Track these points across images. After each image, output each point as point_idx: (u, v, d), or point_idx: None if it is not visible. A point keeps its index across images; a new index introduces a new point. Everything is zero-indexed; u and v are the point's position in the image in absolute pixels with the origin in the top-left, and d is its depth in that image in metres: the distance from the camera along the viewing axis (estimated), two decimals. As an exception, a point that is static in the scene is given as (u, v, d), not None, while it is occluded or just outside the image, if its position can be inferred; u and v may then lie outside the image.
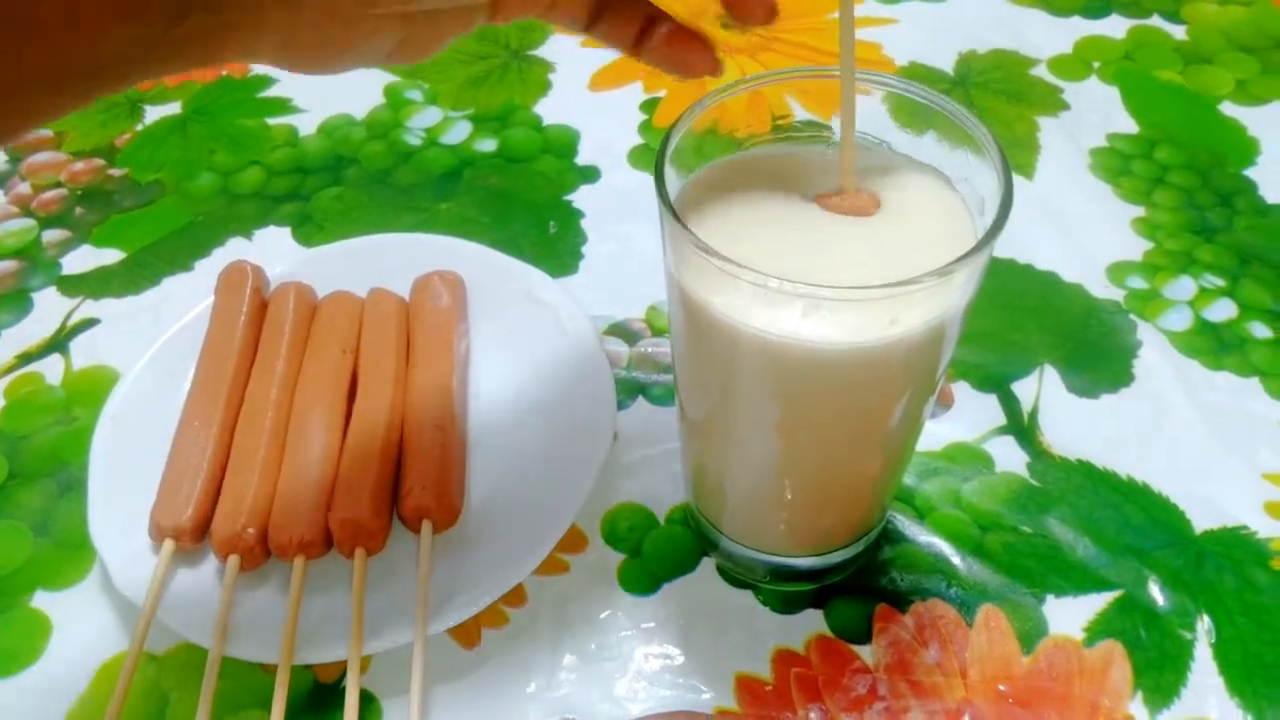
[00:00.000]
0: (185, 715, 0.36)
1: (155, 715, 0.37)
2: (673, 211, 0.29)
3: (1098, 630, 0.38)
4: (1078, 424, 0.44)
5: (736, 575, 0.40)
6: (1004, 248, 0.51)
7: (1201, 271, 0.50)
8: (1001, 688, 0.36)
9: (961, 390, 0.46)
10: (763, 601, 0.39)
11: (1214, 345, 0.47)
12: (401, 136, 0.60)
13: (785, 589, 0.39)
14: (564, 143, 0.59)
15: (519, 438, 0.43)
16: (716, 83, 0.32)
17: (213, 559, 0.39)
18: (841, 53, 0.30)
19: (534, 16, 0.30)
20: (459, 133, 0.60)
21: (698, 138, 0.33)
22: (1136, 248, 0.52)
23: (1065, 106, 0.60)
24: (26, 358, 0.49)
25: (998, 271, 0.50)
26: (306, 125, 0.61)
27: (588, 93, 0.62)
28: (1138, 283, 0.50)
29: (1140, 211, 0.54)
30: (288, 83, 0.64)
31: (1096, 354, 0.47)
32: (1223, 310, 0.49)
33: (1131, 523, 0.41)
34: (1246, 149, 0.57)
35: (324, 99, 0.62)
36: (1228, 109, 0.59)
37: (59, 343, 0.50)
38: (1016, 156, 0.57)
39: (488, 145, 0.59)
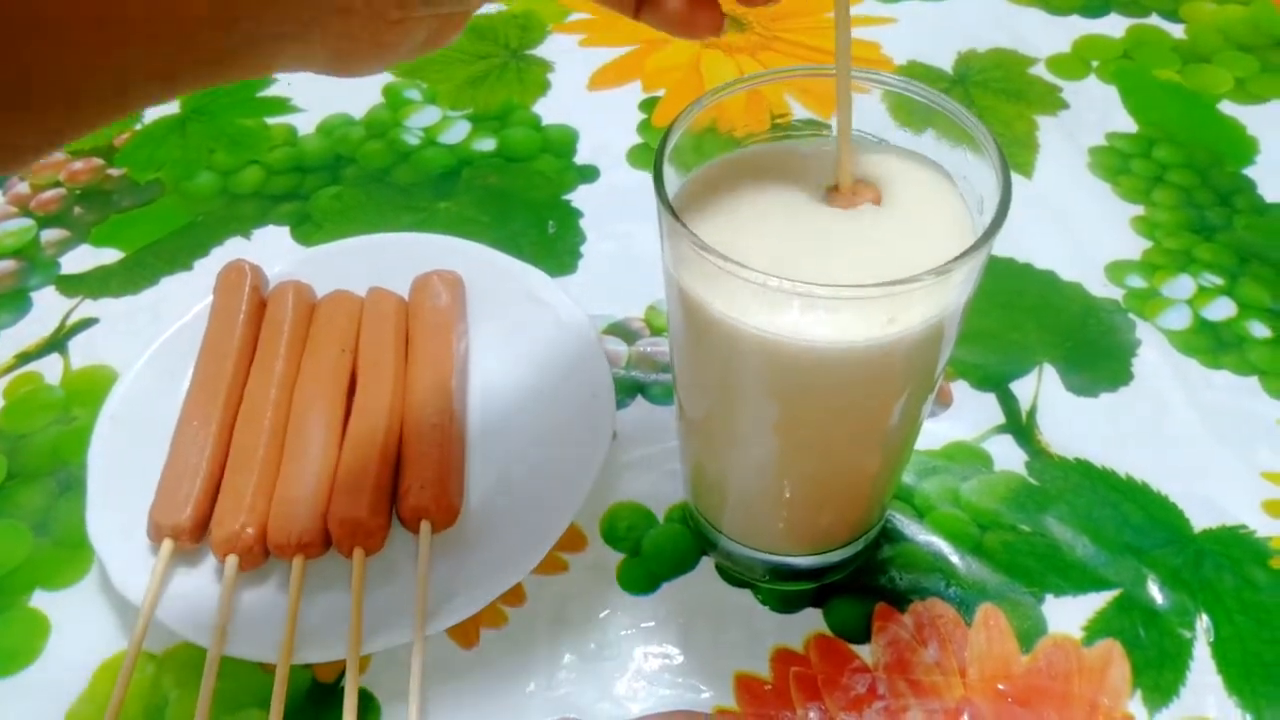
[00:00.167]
0: (184, 714, 0.36)
1: (154, 714, 0.37)
2: (671, 210, 0.29)
3: (1097, 629, 0.38)
4: (1076, 423, 0.44)
5: (736, 574, 0.40)
6: (1003, 246, 0.51)
7: (1200, 270, 0.50)
8: (1000, 687, 0.36)
9: (960, 389, 0.46)
10: (762, 601, 0.39)
11: (1213, 344, 0.47)
12: (400, 136, 0.60)
13: (784, 588, 0.39)
14: (563, 142, 0.59)
15: (518, 437, 0.43)
16: (715, 81, 0.32)
17: (212, 558, 0.39)
18: (837, 45, 0.30)
19: None
20: (458, 132, 0.60)
21: (696, 137, 0.33)
22: (1135, 246, 0.52)
23: (1064, 105, 0.60)
24: (25, 357, 0.49)
25: (996, 270, 0.50)
26: (305, 125, 0.61)
27: (586, 92, 0.62)
28: (1137, 281, 0.50)
29: (1139, 210, 0.54)
30: (286, 82, 0.64)
31: (1095, 353, 0.47)
32: (1221, 309, 0.49)
33: (1130, 522, 0.41)
34: (1245, 148, 0.57)
35: (322, 98, 0.62)
36: (1226, 108, 0.59)
37: (58, 342, 0.50)
38: (1015, 155, 0.57)
39: (486, 145, 0.59)
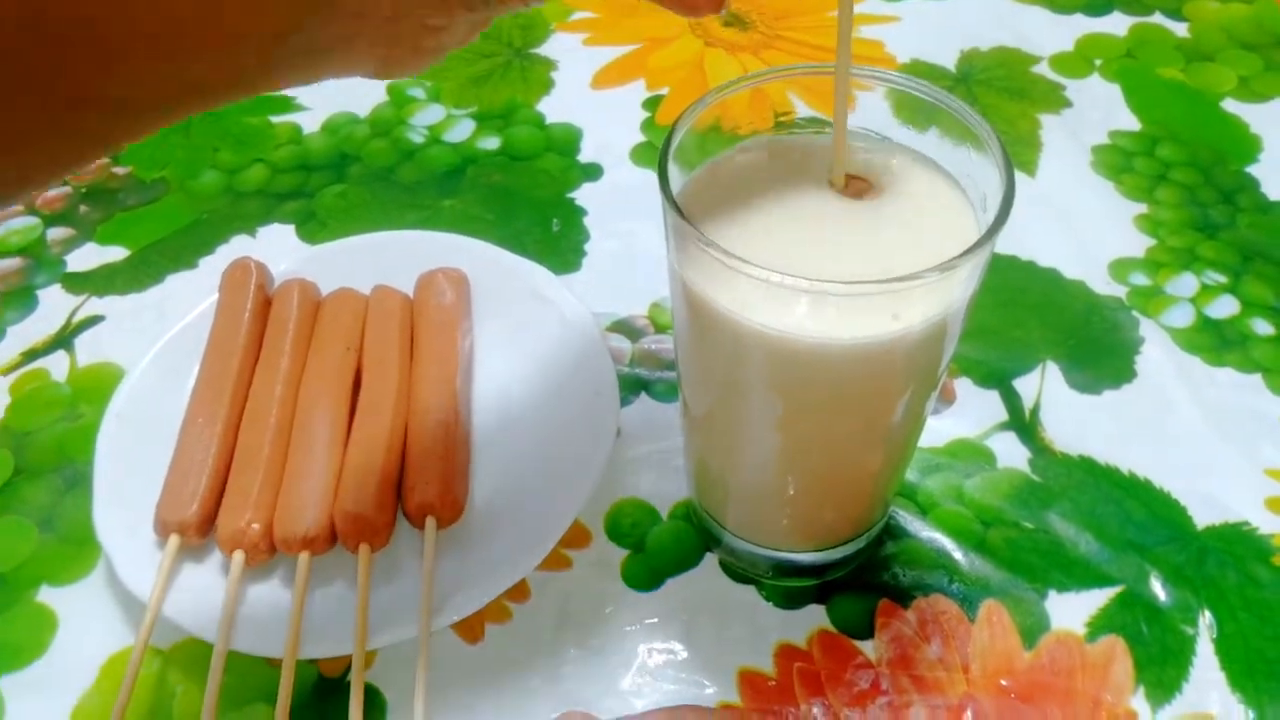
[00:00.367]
0: (191, 709, 0.37)
1: (161, 709, 0.37)
2: (677, 208, 0.29)
3: (1100, 625, 0.38)
4: (1079, 420, 0.44)
5: (739, 570, 0.40)
6: (1006, 244, 0.51)
7: (1203, 268, 0.51)
8: (1003, 683, 0.37)
9: (963, 386, 0.46)
10: (765, 597, 0.39)
11: (1216, 342, 0.47)
12: (405, 134, 0.60)
13: (788, 584, 0.39)
14: (566, 140, 0.59)
15: (522, 434, 0.43)
16: (718, 80, 0.33)
17: (218, 554, 0.39)
18: (839, 39, 0.30)
19: None
20: (462, 130, 0.60)
21: (700, 135, 0.33)
22: (1139, 244, 0.52)
23: (1067, 104, 0.60)
24: (32, 354, 0.49)
25: (1000, 268, 0.50)
26: (310, 123, 0.61)
27: (590, 90, 0.62)
28: (1140, 279, 0.50)
29: (1142, 208, 0.54)
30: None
31: (1098, 350, 0.47)
32: (1225, 307, 0.49)
33: (1133, 518, 0.41)
34: (1248, 146, 0.57)
35: (327, 97, 0.62)
36: (1230, 106, 0.59)
37: (64, 340, 0.50)
38: (1019, 154, 0.57)
39: (491, 143, 0.59)
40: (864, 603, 0.39)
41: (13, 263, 0.54)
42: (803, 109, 0.35)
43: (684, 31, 0.65)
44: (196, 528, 0.38)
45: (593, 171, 0.57)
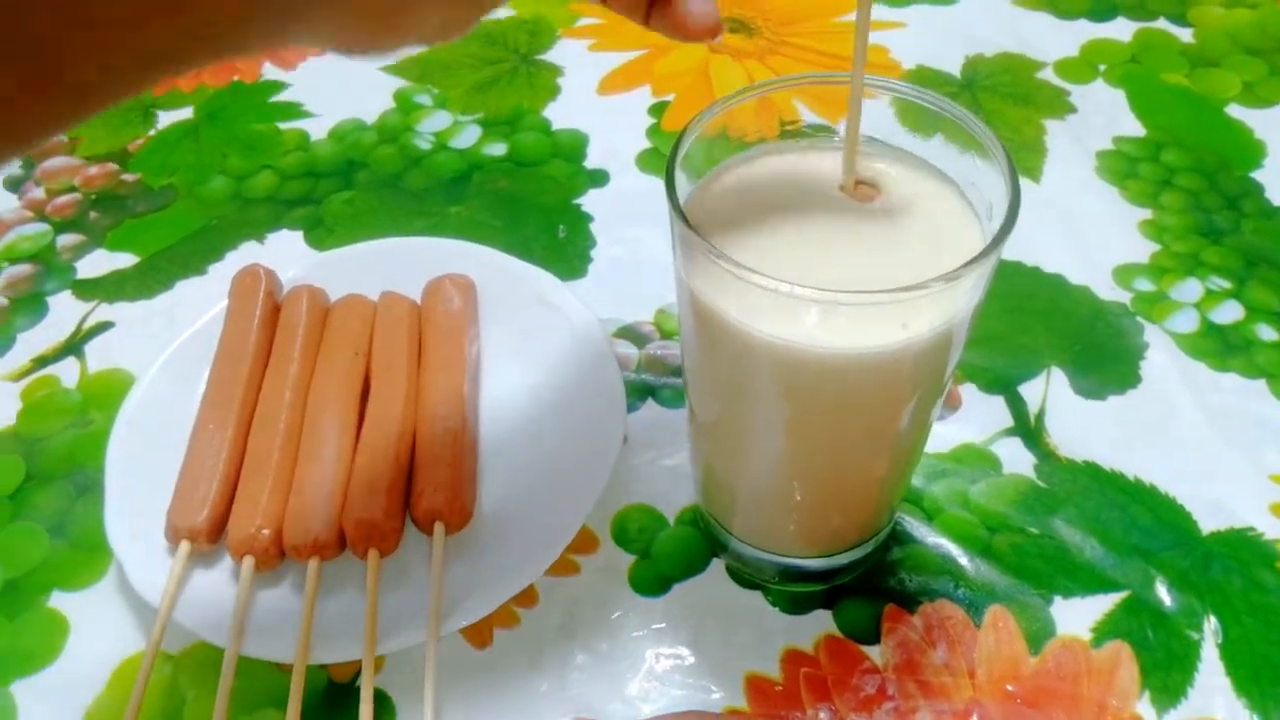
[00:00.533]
0: (202, 714, 0.37)
1: (172, 714, 0.37)
2: (684, 218, 0.29)
3: (1105, 631, 0.38)
4: (1085, 426, 0.45)
5: (746, 576, 0.40)
6: (1011, 250, 0.51)
7: (1208, 274, 0.51)
8: (1009, 688, 0.37)
9: (969, 392, 0.46)
10: (772, 602, 0.39)
11: (1220, 347, 0.48)
12: (412, 141, 0.60)
13: (794, 590, 0.40)
14: (573, 147, 0.59)
15: (530, 440, 0.43)
16: (724, 86, 0.33)
17: (228, 560, 0.39)
18: (856, 45, 0.30)
19: None
20: (468, 137, 0.60)
21: (707, 143, 0.33)
22: (1143, 250, 0.52)
23: (1072, 109, 0.60)
24: (42, 361, 0.50)
25: (1005, 274, 0.50)
26: (318, 130, 0.61)
27: (596, 97, 0.63)
28: (1144, 285, 0.50)
29: (1147, 214, 0.54)
30: (299, 87, 0.64)
31: (1103, 356, 0.47)
32: (1229, 312, 0.49)
33: (1138, 524, 0.41)
34: (1253, 152, 0.57)
35: (335, 103, 0.63)
36: (1234, 111, 0.59)
37: (74, 346, 0.50)
38: (1023, 159, 0.57)
39: (497, 149, 0.59)
40: (870, 608, 0.39)
41: (23, 269, 0.54)
42: (809, 117, 0.35)
43: (689, 38, 0.65)
44: (207, 533, 0.39)
45: (599, 177, 0.57)
